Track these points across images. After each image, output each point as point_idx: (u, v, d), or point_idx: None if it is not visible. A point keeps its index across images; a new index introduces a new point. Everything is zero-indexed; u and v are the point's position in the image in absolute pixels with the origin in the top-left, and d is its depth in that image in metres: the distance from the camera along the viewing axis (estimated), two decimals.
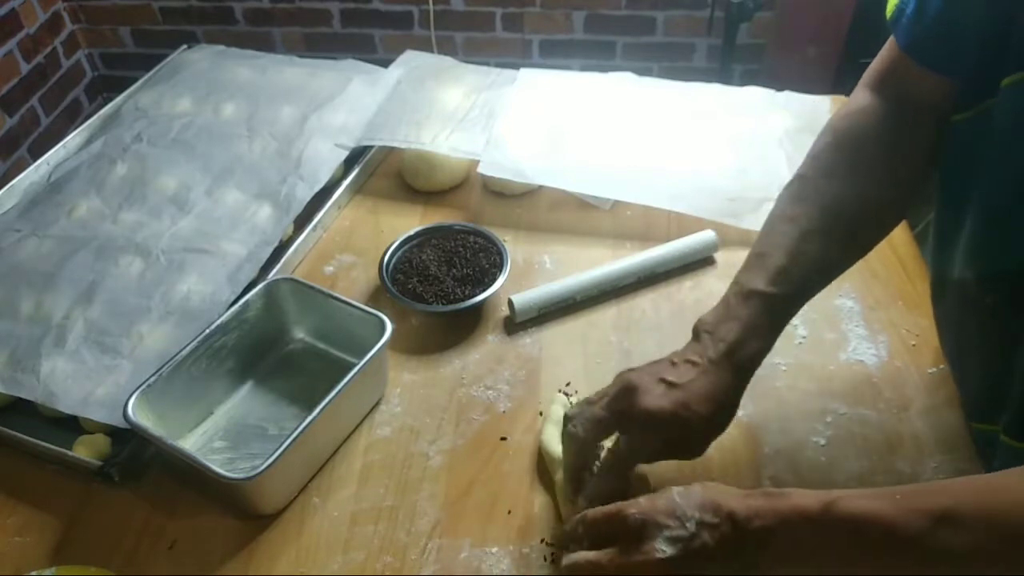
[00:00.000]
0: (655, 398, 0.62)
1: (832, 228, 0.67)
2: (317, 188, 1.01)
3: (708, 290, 0.92)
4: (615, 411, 0.63)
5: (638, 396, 0.62)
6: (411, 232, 0.94)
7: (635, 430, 0.63)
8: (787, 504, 0.53)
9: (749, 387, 0.80)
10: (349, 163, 1.08)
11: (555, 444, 0.71)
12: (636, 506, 0.57)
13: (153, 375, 0.73)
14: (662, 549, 0.54)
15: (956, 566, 0.49)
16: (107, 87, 2.52)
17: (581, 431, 0.64)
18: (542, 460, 0.74)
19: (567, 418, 0.66)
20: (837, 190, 0.68)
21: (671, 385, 0.62)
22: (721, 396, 0.63)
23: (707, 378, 0.63)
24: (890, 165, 0.69)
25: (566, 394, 0.80)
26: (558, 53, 2.31)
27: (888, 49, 0.71)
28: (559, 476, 0.70)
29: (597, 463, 0.66)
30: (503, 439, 0.77)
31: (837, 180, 0.69)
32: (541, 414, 0.79)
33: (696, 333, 0.67)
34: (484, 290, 0.87)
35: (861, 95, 0.73)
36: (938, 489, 0.52)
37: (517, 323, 0.88)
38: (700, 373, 0.63)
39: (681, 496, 0.56)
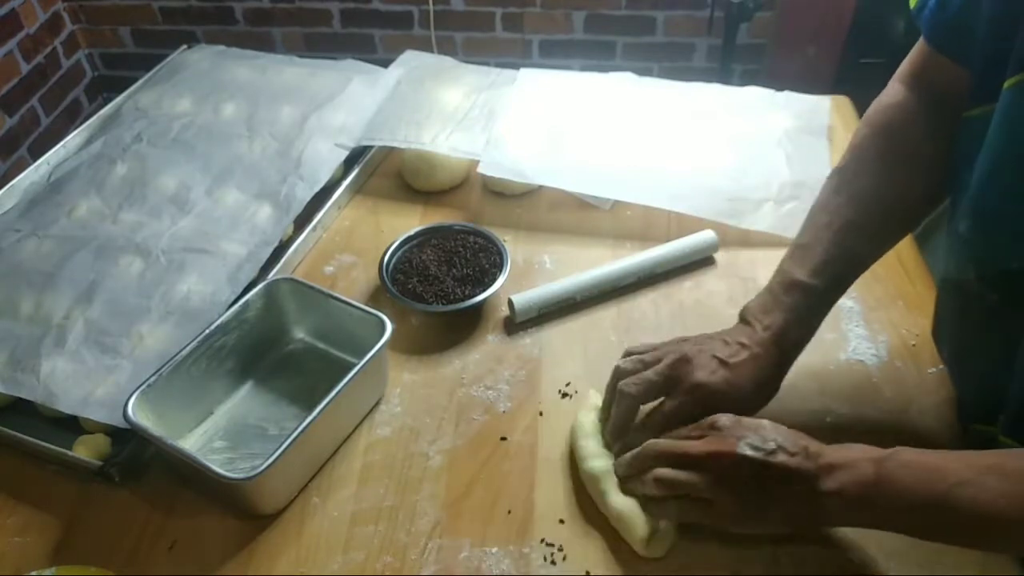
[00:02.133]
0: (707, 373, 0.68)
1: (868, 221, 0.71)
2: (317, 188, 1.01)
3: (708, 290, 0.92)
4: (668, 377, 0.69)
5: (692, 368, 0.68)
6: (411, 232, 0.94)
7: (683, 397, 0.68)
8: (855, 450, 0.59)
9: None
10: (349, 163, 1.08)
11: (586, 435, 0.73)
12: (729, 415, 0.63)
13: (153, 375, 0.73)
14: (743, 447, 0.60)
15: (995, 519, 0.53)
16: (107, 87, 2.52)
17: (635, 390, 0.69)
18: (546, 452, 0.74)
19: (619, 372, 0.71)
20: (874, 183, 0.72)
21: (722, 363, 0.68)
22: (765, 378, 0.69)
23: (755, 361, 0.68)
24: (924, 159, 0.71)
25: (563, 394, 0.80)
26: (558, 53, 2.31)
27: (920, 43, 0.73)
28: (589, 465, 0.70)
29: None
30: (503, 439, 0.77)
31: (873, 174, 0.72)
32: (541, 414, 0.79)
33: (743, 318, 0.72)
34: (484, 290, 0.87)
35: (894, 89, 0.75)
36: (989, 452, 0.57)
37: (517, 323, 0.88)
38: (749, 356, 0.68)
39: (769, 424, 0.62)
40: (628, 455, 0.67)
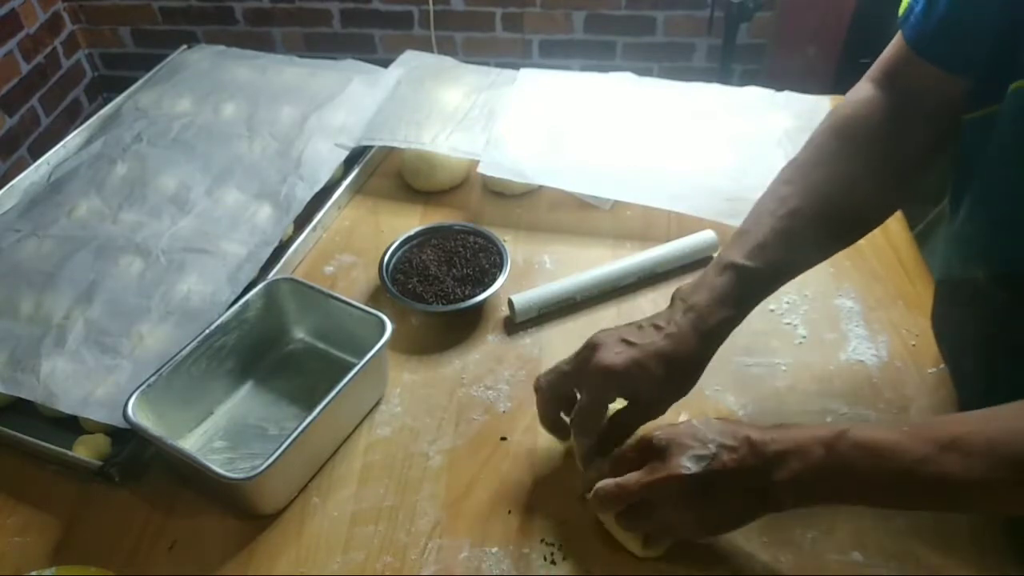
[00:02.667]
0: (612, 355, 0.65)
1: (816, 210, 0.69)
2: (317, 188, 1.01)
3: None
4: (576, 366, 0.68)
5: (597, 352, 0.66)
6: (411, 232, 0.94)
7: (592, 384, 0.66)
8: (801, 431, 0.58)
9: (749, 387, 0.80)
10: (349, 163, 1.08)
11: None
12: (660, 431, 0.62)
13: (153, 375, 0.73)
14: (686, 466, 0.59)
15: (960, 491, 0.53)
16: (107, 87, 2.52)
17: (544, 382, 0.70)
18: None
19: (538, 376, 0.71)
20: (826, 174, 0.71)
21: (630, 344, 0.66)
22: (678, 358, 0.66)
23: (667, 341, 0.66)
24: (883, 155, 0.70)
25: None
26: (558, 53, 2.31)
27: (895, 44, 0.72)
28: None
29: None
30: (503, 439, 0.77)
31: (827, 165, 0.71)
32: None
33: (672, 300, 0.70)
34: (484, 290, 0.87)
35: (864, 87, 0.74)
36: (946, 420, 0.57)
37: (517, 323, 0.88)
38: (662, 336, 0.66)
39: (701, 423, 0.61)
40: (594, 464, 0.67)
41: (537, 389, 0.70)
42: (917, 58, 0.69)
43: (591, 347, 0.67)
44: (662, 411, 0.69)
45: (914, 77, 0.69)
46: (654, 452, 0.61)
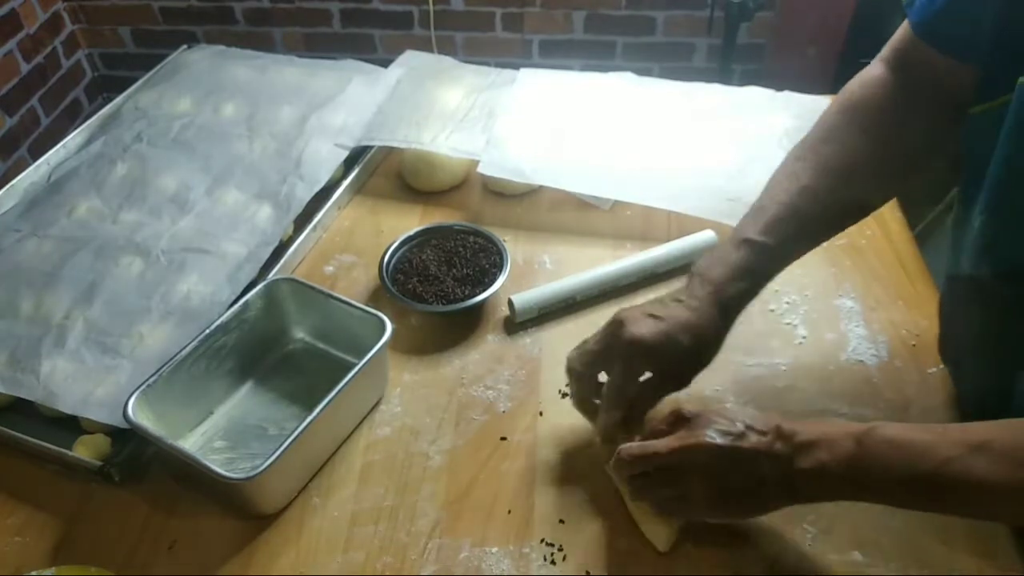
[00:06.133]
0: (641, 328, 0.67)
1: (825, 187, 0.71)
2: (317, 188, 1.01)
3: None
4: (605, 344, 0.69)
5: (625, 326, 0.68)
6: (411, 232, 0.94)
7: (622, 359, 0.68)
8: (831, 425, 0.59)
9: (750, 387, 0.80)
10: (349, 163, 1.08)
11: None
12: (691, 404, 0.64)
13: (153, 375, 0.73)
14: (711, 435, 0.60)
15: (987, 495, 0.52)
16: (107, 87, 2.52)
17: (578, 365, 0.71)
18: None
19: (568, 358, 0.72)
20: (834, 151, 0.72)
21: (657, 318, 0.68)
22: (702, 330, 0.68)
23: (689, 313, 0.68)
24: (888, 136, 0.71)
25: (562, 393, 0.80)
26: (558, 53, 2.31)
27: (903, 27, 0.73)
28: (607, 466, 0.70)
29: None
30: (503, 439, 0.77)
31: (835, 142, 0.73)
32: (541, 414, 0.79)
33: (689, 276, 0.72)
34: (484, 290, 0.87)
35: (876, 67, 0.75)
36: (976, 426, 0.55)
37: (517, 323, 0.88)
38: (684, 308, 0.68)
39: (733, 406, 0.63)
40: (611, 462, 0.67)
41: (570, 371, 0.72)
42: (921, 43, 0.69)
43: (618, 323, 0.69)
44: (686, 382, 0.70)
45: (919, 62, 0.70)
46: (682, 422, 0.63)
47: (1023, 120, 0.58)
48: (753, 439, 0.59)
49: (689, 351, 0.67)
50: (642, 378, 0.69)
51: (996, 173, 0.61)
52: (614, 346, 0.68)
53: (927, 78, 0.70)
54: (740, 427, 0.60)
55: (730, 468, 0.59)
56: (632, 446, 0.64)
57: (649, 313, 0.68)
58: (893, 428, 0.56)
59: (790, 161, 0.74)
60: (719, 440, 0.59)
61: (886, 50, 0.75)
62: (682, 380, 0.70)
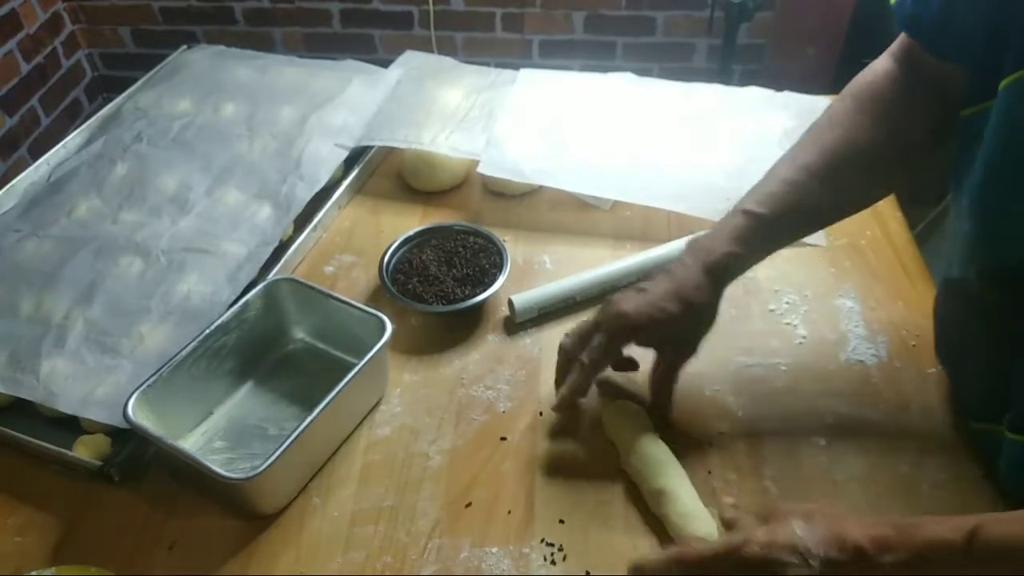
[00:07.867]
0: (625, 303, 0.71)
1: (827, 164, 0.72)
2: (317, 188, 1.01)
3: None
4: (596, 319, 0.73)
5: (612, 303, 0.72)
6: (411, 232, 0.94)
7: (604, 331, 0.72)
8: (921, 536, 0.51)
9: (749, 388, 0.81)
10: (349, 163, 1.08)
11: (615, 428, 0.75)
12: (755, 542, 0.54)
13: (153, 375, 0.73)
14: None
15: None
16: (107, 87, 2.52)
17: (568, 341, 0.75)
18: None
19: (561, 343, 0.75)
20: (842, 135, 0.73)
21: (641, 291, 0.72)
22: (688, 294, 0.70)
23: (674, 280, 0.71)
24: (891, 128, 0.72)
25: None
26: (558, 53, 2.31)
27: None
28: (652, 484, 0.69)
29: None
30: (503, 439, 0.77)
31: (840, 127, 0.74)
32: (541, 414, 0.79)
33: (686, 247, 0.74)
34: (484, 290, 0.87)
35: (885, 60, 0.76)
36: None
37: (517, 323, 0.88)
38: (668, 278, 0.71)
39: (803, 530, 0.53)
40: (661, 562, 0.59)
41: (561, 346, 0.75)
42: (917, 44, 0.70)
43: (608, 301, 0.73)
44: (693, 349, 0.74)
45: (916, 60, 0.71)
46: (748, 568, 0.54)
47: (1005, 123, 0.58)
48: None
49: (680, 316, 0.70)
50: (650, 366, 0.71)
51: (979, 175, 0.61)
52: (601, 321, 0.72)
53: (922, 76, 0.71)
54: (816, 565, 0.52)
55: None
56: None
57: (636, 288, 0.72)
58: (999, 529, 0.50)
59: (796, 146, 0.75)
60: None
61: (895, 45, 0.76)
62: (686, 346, 0.73)
